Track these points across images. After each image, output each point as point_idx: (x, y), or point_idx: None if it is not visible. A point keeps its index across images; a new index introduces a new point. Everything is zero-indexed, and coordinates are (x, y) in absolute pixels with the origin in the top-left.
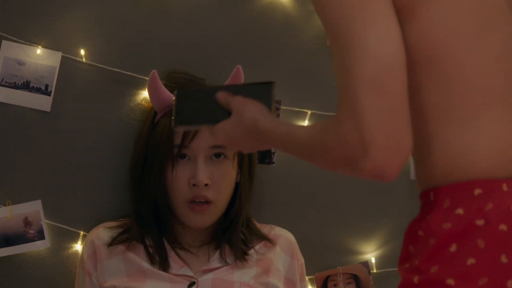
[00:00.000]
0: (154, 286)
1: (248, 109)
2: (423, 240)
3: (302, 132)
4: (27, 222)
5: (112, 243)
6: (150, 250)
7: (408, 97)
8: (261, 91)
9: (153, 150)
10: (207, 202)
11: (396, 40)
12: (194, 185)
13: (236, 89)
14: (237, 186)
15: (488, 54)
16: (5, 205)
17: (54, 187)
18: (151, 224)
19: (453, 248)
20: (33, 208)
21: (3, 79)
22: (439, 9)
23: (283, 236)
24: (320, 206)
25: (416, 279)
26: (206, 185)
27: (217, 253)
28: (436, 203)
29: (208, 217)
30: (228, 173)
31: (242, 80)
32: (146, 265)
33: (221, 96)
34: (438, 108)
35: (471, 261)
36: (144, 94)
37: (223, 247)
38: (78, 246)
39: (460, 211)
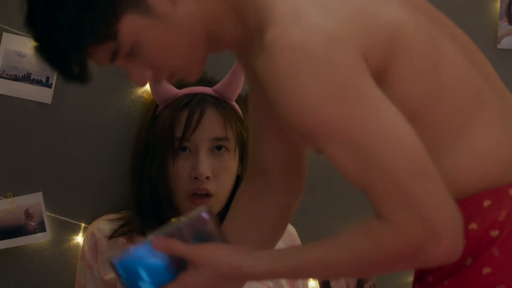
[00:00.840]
0: None
1: (221, 259)
2: None
3: (328, 251)
4: (28, 214)
5: (113, 235)
6: None
7: None
8: (199, 220)
9: (154, 143)
10: (208, 195)
11: (406, 122)
12: (195, 178)
13: (175, 232)
14: (238, 178)
15: (451, 72)
16: (6, 197)
17: (55, 179)
18: (152, 217)
19: (469, 261)
20: (34, 200)
21: (4, 71)
22: (403, 67)
23: None
24: (321, 199)
25: None
26: (207, 178)
27: None
28: None
29: None
30: (230, 166)
31: (242, 74)
32: None
33: (166, 247)
34: (427, 143)
35: (486, 270)
36: (145, 86)
37: None
38: (79, 238)
39: (473, 225)
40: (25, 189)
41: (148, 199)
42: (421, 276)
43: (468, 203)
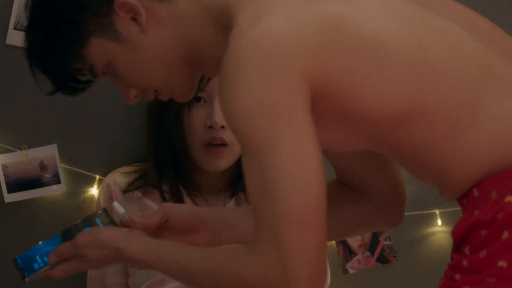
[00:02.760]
0: None
1: (104, 237)
2: (473, 235)
3: (197, 260)
4: (43, 166)
5: (128, 189)
6: (166, 196)
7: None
8: (94, 214)
9: None
10: (223, 144)
11: (317, 166)
12: (210, 127)
13: (70, 233)
14: None
15: (446, 54)
16: (21, 149)
17: (70, 131)
18: (169, 168)
19: (505, 235)
20: (49, 152)
21: (18, 22)
22: (377, 70)
23: None
24: None
25: (465, 262)
26: (222, 127)
27: (232, 201)
28: (482, 198)
29: (224, 160)
30: None
31: None
32: None
33: (55, 252)
34: (450, 128)
35: None
36: None
37: (238, 195)
38: (94, 190)
39: (510, 198)
40: (40, 141)
41: (165, 150)
42: (459, 246)
43: (503, 176)
